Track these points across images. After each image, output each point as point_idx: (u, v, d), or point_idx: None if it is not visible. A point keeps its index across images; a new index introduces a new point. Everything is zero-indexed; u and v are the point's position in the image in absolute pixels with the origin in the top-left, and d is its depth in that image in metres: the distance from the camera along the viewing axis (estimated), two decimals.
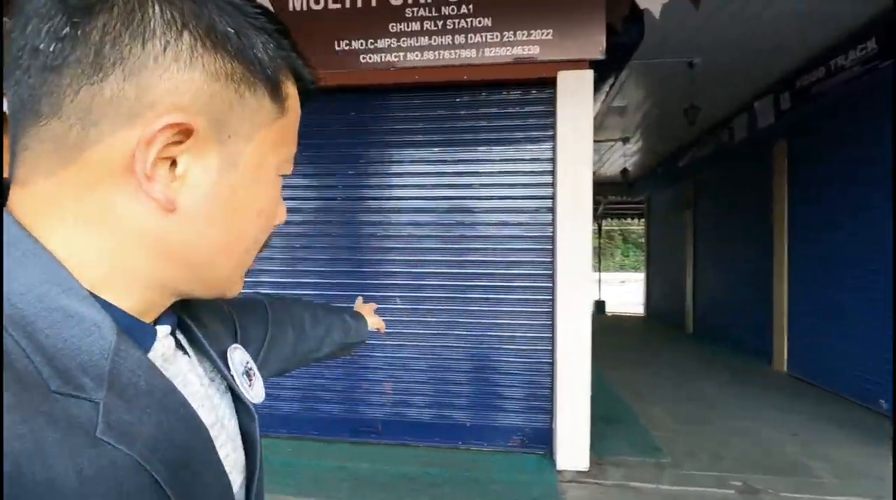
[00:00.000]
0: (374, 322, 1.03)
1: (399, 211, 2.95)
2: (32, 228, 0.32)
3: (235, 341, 0.55)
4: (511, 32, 2.70)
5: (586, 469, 2.62)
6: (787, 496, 2.45)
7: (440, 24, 2.74)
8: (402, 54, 2.78)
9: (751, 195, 5.64)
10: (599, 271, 12.11)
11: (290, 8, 2.83)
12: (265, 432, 2.97)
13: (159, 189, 0.33)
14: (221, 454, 0.42)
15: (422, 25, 2.75)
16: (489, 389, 2.85)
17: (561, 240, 2.69)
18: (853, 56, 3.72)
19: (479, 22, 2.72)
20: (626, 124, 6.51)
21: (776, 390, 4.35)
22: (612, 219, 13.59)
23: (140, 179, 0.33)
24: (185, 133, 0.33)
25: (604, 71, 3.07)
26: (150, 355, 0.37)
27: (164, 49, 0.32)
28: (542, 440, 2.80)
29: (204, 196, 0.36)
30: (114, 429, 0.29)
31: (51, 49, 0.31)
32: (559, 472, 2.61)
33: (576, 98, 2.67)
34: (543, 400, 2.82)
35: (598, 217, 11.46)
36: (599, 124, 6.20)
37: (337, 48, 2.82)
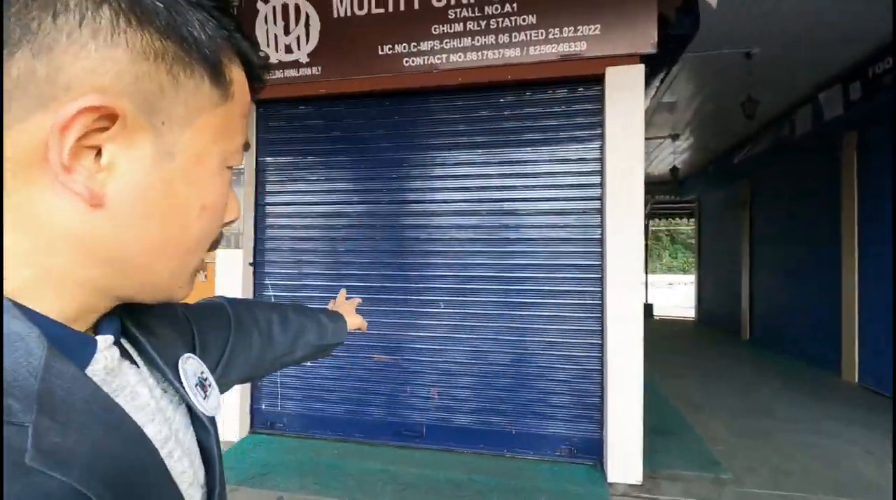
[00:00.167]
0: (354, 322, 0.95)
1: (443, 214, 2.93)
2: None
3: (192, 350, 0.52)
4: (557, 29, 2.62)
5: (639, 483, 2.50)
6: None
7: (483, 23, 2.70)
8: (444, 56, 2.76)
9: (815, 191, 5.27)
10: (646, 273, 11.68)
11: (335, 15, 2.87)
12: (311, 433, 3.02)
13: (81, 181, 0.30)
14: (178, 469, 0.40)
15: (465, 26, 2.72)
16: (535, 396, 2.78)
17: (611, 241, 2.58)
18: None
19: (524, 20, 2.66)
20: (676, 121, 6.24)
21: (845, 402, 4.03)
22: (659, 219, 13.07)
23: (56, 169, 0.29)
24: (109, 118, 0.30)
25: (655, 65, 2.95)
26: (91, 368, 0.34)
27: (80, 23, 0.28)
28: (592, 450, 2.70)
29: (136, 189, 0.32)
30: (46, 454, 0.26)
31: None
32: (611, 485, 2.50)
33: (626, 94, 2.56)
34: (592, 409, 2.72)
35: (645, 217, 11.03)
36: (648, 121, 5.97)
37: (380, 52, 2.83)
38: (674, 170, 7.73)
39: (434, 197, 2.95)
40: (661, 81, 3.77)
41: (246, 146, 0.42)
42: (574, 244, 2.77)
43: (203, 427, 0.46)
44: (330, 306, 0.96)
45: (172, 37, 0.32)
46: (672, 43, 2.72)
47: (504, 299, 2.83)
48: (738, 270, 7.34)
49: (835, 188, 4.82)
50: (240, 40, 0.38)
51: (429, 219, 2.95)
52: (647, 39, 2.52)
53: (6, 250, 0.30)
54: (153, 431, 0.38)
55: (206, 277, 3.12)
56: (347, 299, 1.03)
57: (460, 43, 2.74)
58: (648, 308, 10.03)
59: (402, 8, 2.79)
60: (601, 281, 2.71)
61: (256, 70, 0.41)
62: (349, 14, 2.85)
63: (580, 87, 2.75)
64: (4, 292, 0.29)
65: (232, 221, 0.43)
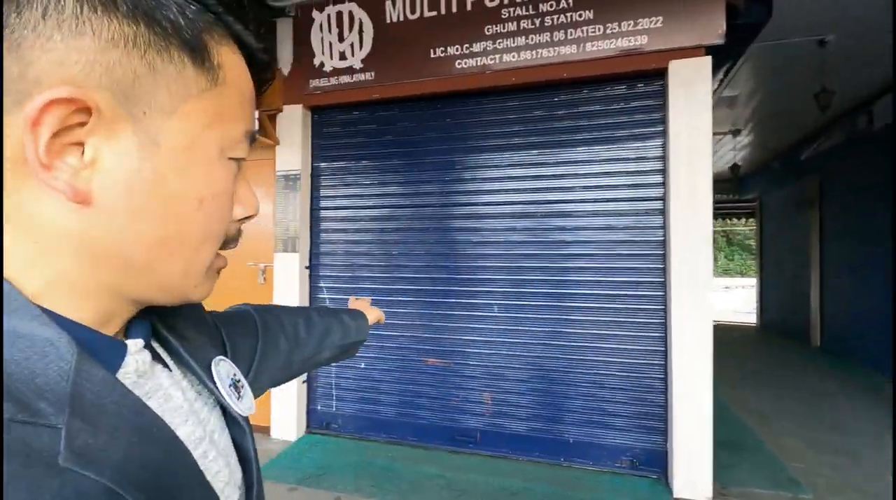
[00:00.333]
0: (373, 316, 0.96)
1: (496, 216, 2.88)
2: None
3: (223, 354, 0.51)
4: (615, 24, 2.53)
5: (710, 499, 2.35)
6: None
7: (538, 21, 2.64)
8: (497, 56, 2.72)
9: None
10: None
11: (388, 20, 2.89)
12: (365, 434, 3.05)
13: (63, 178, 0.29)
14: (213, 469, 0.40)
15: (518, 25, 2.68)
16: (594, 404, 2.68)
17: (675, 243, 2.46)
18: None
19: (580, 16, 2.58)
20: (737, 116, 5.91)
21: None
22: (714, 219, 12.45)
23: (34, 168, 0.28)
24: (85, 112, 0.29)
25: (720, 57, 2.79)
26: (122, 371, 0.35)
27: (43, 15, 0.28)
28: (656, 462, 2.57)
29: (123, 183, 0.31)
30: (79, 455, 0.27)
31: None
32: None
33: (691, 89, 2.43)
34: (656, 419, 2.59)
35: None
36: None
37: (432, 55, 2.83)
38: (734, 167, 7.33)
39: (487, 199, 2.91)
40: (726, 74, 3.57)
41: (251, 137, 0.39)
42: (633, 246, 2.65)
43: (239, 427, 0.46)
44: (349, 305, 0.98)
45: (144, 21, 0.30)
46: (740, 32, 2.56)
47: (560, 303, 2.75)
48: (805, 272, 6.85)
49: None
50: (232, 23, 0.36)
51: (482, 221, 2.91)
52: (713, 30, 2.38)
53: (18, 253, 0.30)
54: (187, 432, 0.39)
55: (264, 280, 3.22)
56: (358, 298, 1.05)
57: (514, 42, 2.69)
58: None
59: (454, 10, 2.77)
60: (664, 285, 2.59)
61: (257, 55, 0.39)
62: (402, 19, 2.87)
63: (640, 82, 2.63)
64: (29, 298, 0.30)
65: (248, 218, 0.42)
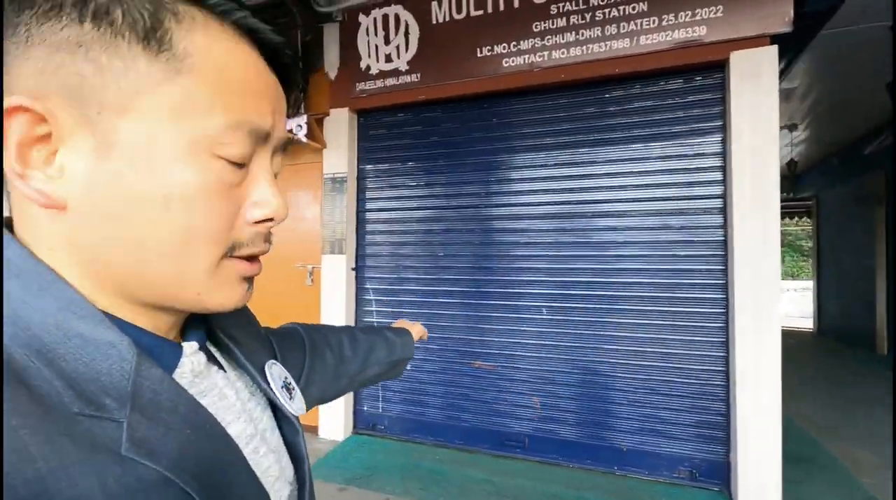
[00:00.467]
0: (416, 332, 0.97)
1: (544, 217, 2.82)
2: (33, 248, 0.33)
3: (275, 360, 0.54)
4: (671, 15, 2.43)
5: None
6: None
7: (588, 16, 2.57)
8: (546, 53, 2.67)
9: None
10: None
11: (434, 21, 2.88)
12: (411, 436, 3.04)
13: (36, 186, 0.31)
14: (263, 464, 0.42)
15: (568, 21, 2.61)
16: (649, 411, 2.57)
17: (738, 244, 2.33)
18: None
19: (633, 8, 2.49)
20: (793, 110, 5.59)
21: None
22: None
23: (10, 177, 0.31)
24: (42, 120, 0.30)
25: (781, 47, 2.63)
26: (178, 371, 0.37)
27: (7, 36, 0.30)
28: (717, 474, 2.44)
29: (87, 187, 0.31)
30: (139, 446, 0.30)
31: None
32: None
33: (755, 81, 2.30)
34: (717, 429, 2.46)
35: None
36: None
37: (479, 54, 2.80)
38: (791, 164, 6.95)
39: (534, 199, 2.85)
40: (787, 65, 3.38)
41: (259, 134, 0.36)
42: (691, 247, 2.54)
43: (291, 427, 0.49)
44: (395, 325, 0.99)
45: (90, 19, 0.30)
46: (808, 20, 2.41)
47: (611, 305, 2.67)
48: (870, 274, 6.42)
49: None
50: (226, 7, 0.34)
51: (529, 222, 2.86)
52: (780, 17, 2.25)
53: (59, 263, 0.33)
54: (239, 429, 0.41)
55: (312, 281, 3.27)
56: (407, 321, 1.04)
57: (563, 38, 2.63)
58: None
59: (501, 8, 2.73)
60: (724, 287, 2.46)
61: (246, 20, 0.36)
62: (448, 19, 2.85)
63: (697, 76, 2.52)
64: (94, 305, 0.33)
65: (268, 221, 0.38)
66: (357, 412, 3.23)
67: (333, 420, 3.13)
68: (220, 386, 0.42)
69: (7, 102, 0.29)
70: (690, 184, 2.55)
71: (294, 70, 0.41)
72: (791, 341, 7.88)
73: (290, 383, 0.52)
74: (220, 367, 0.44)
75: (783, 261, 23.32)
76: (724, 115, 2.46)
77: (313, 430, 3.17)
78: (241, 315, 0.54)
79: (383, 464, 2.79)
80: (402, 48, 2.96)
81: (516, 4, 2.70)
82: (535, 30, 2.68)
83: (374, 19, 3.01)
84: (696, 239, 2.53)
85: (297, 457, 0.48)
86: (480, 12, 2.78)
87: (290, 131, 2.87)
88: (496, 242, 2.93)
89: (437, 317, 3.03)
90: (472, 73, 2.82)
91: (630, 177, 2.65)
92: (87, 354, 0.31)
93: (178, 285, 0.35)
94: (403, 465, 2.77)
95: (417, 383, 3.08)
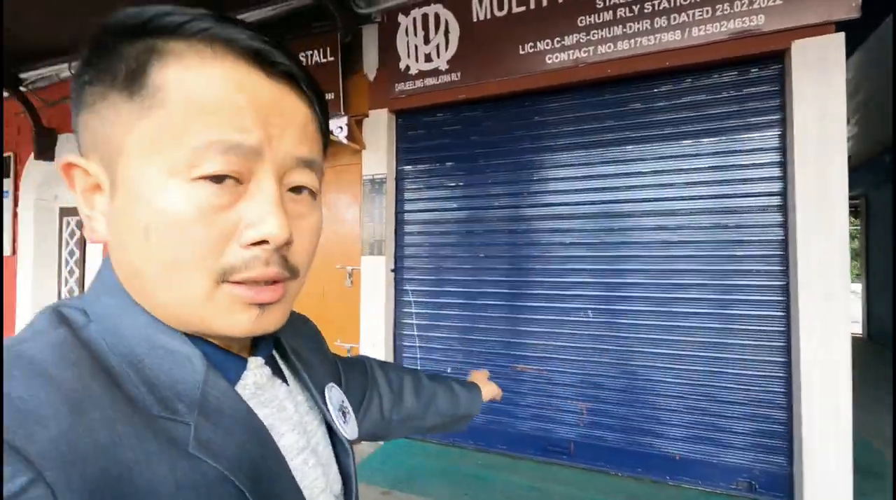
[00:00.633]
0: (489, 391, 0.91)
1: (589, 216, 2.74)
2: None
3: (337, 384, 0.57)
4: (726, 4, 2.32)
5: None
6: None
7: (637, 8, 2.49)
8: (591, 48, 2.59)
9: None
10: None
11: (475, 19, 2.84)
12: (453, 440, 3.00)
13: (89, 224, 0.38)
14: (311, 475, 0.44)
15: (615, 14, 2.53)
16: (704, 419, 2.46)
17: (801, 243, 2.21)
18: None
19: None
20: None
21: None
22: None
23: (82, 218, 0.39)
24: (86, 172, 0.37)
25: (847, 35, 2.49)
26: (241, 382, 0.42)
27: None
28: (779, 486, 2.31)
29: (108, 224, 0.37)
30: (203, 446, 0.34)
31: None
32: None
33: (819, 71, 2.18)
34: (777, 438, 2.34)
35: None
36: None
37: (521, 52, 2.75)
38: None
39: (578, 198, 2.77)
40: (848, 56, 3.20)
41: (230, 146, 0.34)
42: (748, 247, 2.42)
43: (343, 448, 0.51)
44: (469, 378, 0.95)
45: (95, 78, 0.35)
46: (876, 4, 2.27)
47: (662, 308, 2.56)
48: None
49: None
50: (171, 27, 0.35)
51: (573, 222, 2.78)
52: (847, 1, 2.12)
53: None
54: (292, 440, 0.44)
55: (351, 283, 3.26)
56: (479, 370, 1.01)
57: (610, 32, 2.55)
58: None
59: (544, 4, 2.68)
60: (785, 289, 2.33)
61: (210, 31, 0.35)
62: (489, 17, 2.81)
63: (753, 67, 2.41)
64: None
65: (263, 243, 0.36)
66: None
67: None
68: (280, 398, 0.45)
69: (62, 160, 0.37)
70: (746, 181, 2.44)
71: (297, 71, 0.39)
72: None
73: (346, 408, 0.55)
74: (285, 380, 0.48)
75: None
76: (783, 108, 2.34)
77: None
78: (312, 338, 0.61)
79: (424, 468, 2.75)
80: (442, 47, 2.94)
81: (560, 0, 2.64)
82: (579, 25, 2.61)
83: (414, 19, 3.00)
84: (753, 238, 2.41)
85: (345, 475, 0.51)
86: (522, 9, 2.73)
87: (331, 133, 2.87)
88: (539, 243, 2.87)
89: (478, 319, 2.99)
90: (514, 71, 2.77)
91: (681, 174, 2.55)
92: (167, 364, 0.36)
93: (182, 310, 0.37)
94: (445, 469, 2.73)
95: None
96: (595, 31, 2.58)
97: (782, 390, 2.33)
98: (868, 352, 7.06)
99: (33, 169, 4.37)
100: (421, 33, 2.99)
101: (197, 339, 0.39)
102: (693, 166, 2.53)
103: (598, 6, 2.56)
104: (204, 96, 0.34)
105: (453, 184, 3.11)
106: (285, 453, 0.41)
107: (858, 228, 8.93)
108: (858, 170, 8.05)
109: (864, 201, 8.29)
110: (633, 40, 2.51)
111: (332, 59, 3.12)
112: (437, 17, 2.94)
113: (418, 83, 3.02)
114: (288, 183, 0.39)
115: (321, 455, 0.47)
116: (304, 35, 3.20)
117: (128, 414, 0.32)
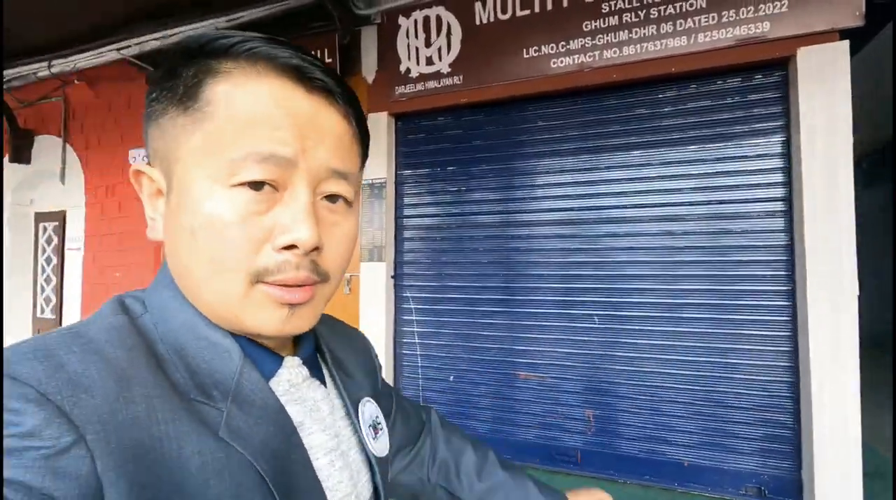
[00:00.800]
0: None
1: (593, 222, 2.72)
2: None
3: (373, 397, 0.57)
4: (732, 11, 2.34)
5: None
6: None
7: (642, 13, 2.48)
8: (596, 53, 2.58)
9: None
10: None
11: (477, 22, 2.81)
12: None
13: (151, 225, 0.43)
14: (335, 477, 0.45)
15: (620, 19, 2.53)
16: (712, 424, 2.45)
17: (809, 248, 2.22)
18: None
19: (691, 5, 2.40)
20: None
21: None
22: None
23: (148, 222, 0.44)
24: (151, 179, 0.42)
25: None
26: (276, 378, 0.44)
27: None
28: (788, 491, 2.32)
29: (163, 225, 0.41)
30: (232, 431, 0.37)
31: None
32: None
33: (825, 78, 2.20)
34: (785, 443, 2.34)
35: None
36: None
37: (525, 55, 2.72)
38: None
39: (583, 204, 2.75)
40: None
41: (267, 157, 0.38)
42: (754, 252, 2.43)
43: (379, 461, 0.51)
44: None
45: (158, 94, 0.40)
46: (879, 12, 2.31)
47: (668, 313, 2.56)
48: None
49: None
50: (222, 51, 0.39)
51: (577, 227, 2.76)
52: (851, 10, 2.15)
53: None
54: (321, 439, 0.45)
55: (350, 290, 3.18)
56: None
57: (615, 37, 2.54)
58: None
59: (549, 7, 2.66)
60: (791, 293, 2.35)
61: (256, 50, 0.39)
62: (492, 20, 2.78)
63: (758, 74, 2.42)
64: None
65: (292, 247, 0.39)
66: None
67: None
68: (316, 399, 0.47)
69: (133, 168, 0.42)
70: (751, 186, 2.45)
71: (334, 87, 0.42)
72: None
73: (378, 424, 0.54)
74: (323, 382, 0.50)
75: None
76: (787, 114, 2.36)
77: None
78: (362, 352, 0.63)
79: None
80: (444, 50, 2.89)
81: (565, 4, 2.62)
82: (585, 29, 2.59)
83: (415, 21, 2.95)
84: (758, 244, 2.42)
85: (376, 486, 0.51)
86: (527, 12, 2.70)
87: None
88: (543, 249, 2.84)
89: (481, 326, 2.94)
90: (518, 75, 2.74)
91: (686, 179, 2.55)
92: (208, 354, 0.40)
93: (221, 307, 0.40)
94: None
95: (463, 394, 2.97)
96: (600, 36, 2.57)
97: (790, 394, 2.34)
98: (863, 357, 7.22)
99: (8, 172, 4.17)
100: (422, 35, 2.94)
101: (238, 336, 0.42)
102: (699, 172, 2.53)
103: (603, 11, 2.55)
104: (246, 110, 0.38)
105: (455, 189, 3.06)
106: (312, 451, 0.43)
107: None
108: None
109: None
110: (638, 45, 2.50)
111: (329, 60, 3.05)
112: (438, 19, 2.89)
113: (419, 86, 2.97)
114: (322, 191, 0.41)
115: (351, 461, 0.48)
116: (301, 35, 3.12)
117: (167, 395, 0.35)
